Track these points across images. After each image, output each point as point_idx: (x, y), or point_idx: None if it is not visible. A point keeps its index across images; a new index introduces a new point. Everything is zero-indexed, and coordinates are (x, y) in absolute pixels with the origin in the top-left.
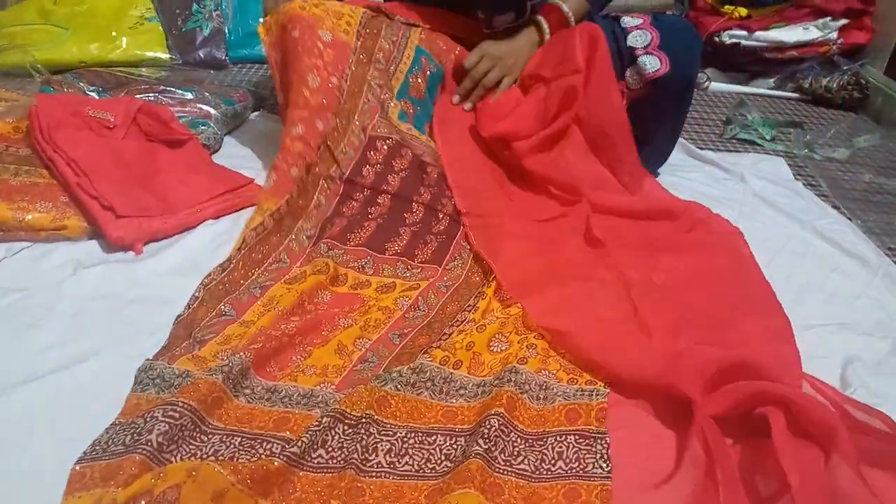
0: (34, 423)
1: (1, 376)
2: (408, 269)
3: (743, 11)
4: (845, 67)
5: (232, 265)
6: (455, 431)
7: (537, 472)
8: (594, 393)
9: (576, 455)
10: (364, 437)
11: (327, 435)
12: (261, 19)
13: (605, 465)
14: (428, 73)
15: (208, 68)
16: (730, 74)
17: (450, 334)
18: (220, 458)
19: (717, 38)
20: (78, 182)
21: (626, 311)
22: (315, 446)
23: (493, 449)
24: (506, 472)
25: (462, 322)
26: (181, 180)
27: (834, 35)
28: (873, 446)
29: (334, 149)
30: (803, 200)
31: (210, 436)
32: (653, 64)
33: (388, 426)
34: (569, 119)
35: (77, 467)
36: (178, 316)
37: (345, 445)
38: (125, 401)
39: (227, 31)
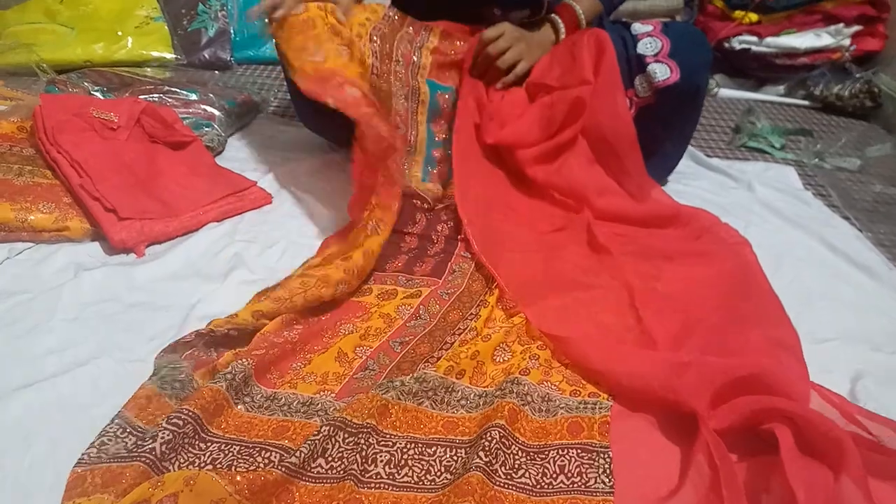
0: (33, 427)
1: (0, 381)
2: (409, 280)
3: (753, 17)
4: (857, 75)
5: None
6: (455, 443)
7: (538, 486)
8: (597, 406)
9: (578, 469)
10: (364, 447)
11: (328, 444)
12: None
13: (607, 480)
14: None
15: (213, 69)
16: (739, 81)
17: (452, 343)
18: (218, 466)
19: (726, 44)
20: (81, 183)
21: (630, 320)
22: (315, 455)
23: (493, 462)
24: (507, 486)
25: (464, 331)
26: (184, 183)
27: (846, 42)
28: (881, 460)
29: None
30: (812, 210)
31: (209, 443)
32: (663, 72)
33: (388, 436)
34: (575, 131)
35: (77, 470)
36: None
37: (345, 455)
38: (140, 388)
39: (232, 31)
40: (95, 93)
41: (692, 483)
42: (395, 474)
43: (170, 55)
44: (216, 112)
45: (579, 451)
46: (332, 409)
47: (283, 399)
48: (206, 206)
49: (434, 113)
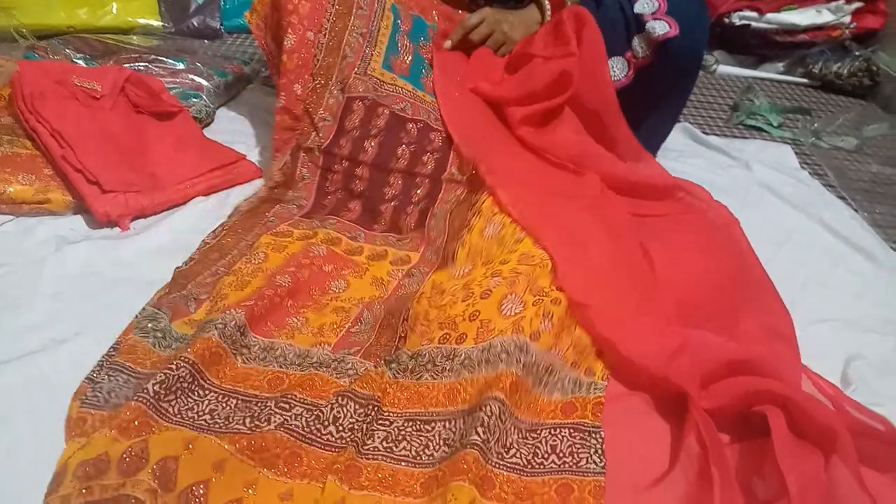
0: (13, 405)
1: None
2: (398, 240)
3: None
4: (857, 53)
5: (224, 231)
6: (455, 414)
7: (529, 466)
8: (591, 387)
9: (570, 449)
10: (365, 422)
11: (339, 413)
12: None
13: (598, 460)
14: (411, 26)
15: (202, 38)
16: (738, 57)
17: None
18: (217, 417)
19: (726, 20)
20: (62, 154)
21: (642, 289)
22: (326, 422)
23: (490, 439)
24: (497, 466)
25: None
26: (170, 155)
27: (847, 19)
28: (871, 448)
29: (313, 114)
30: (809, 190)
31: (207, 392)
32: (661, 27)
33: (387, 414)
34: (563, 100)
35: (79, 409)
36: (177, 267)
37: (355, 426)
38: (121, 337)
39: None
40: (78, 60)
41: (683, 465)
42: (393, 447)
43: (157, 22)
44: (204, 82)
45: (571, 430)
46: (327, 361)
47: (280, 350)
48: (194, 180)
49: (398, 21)
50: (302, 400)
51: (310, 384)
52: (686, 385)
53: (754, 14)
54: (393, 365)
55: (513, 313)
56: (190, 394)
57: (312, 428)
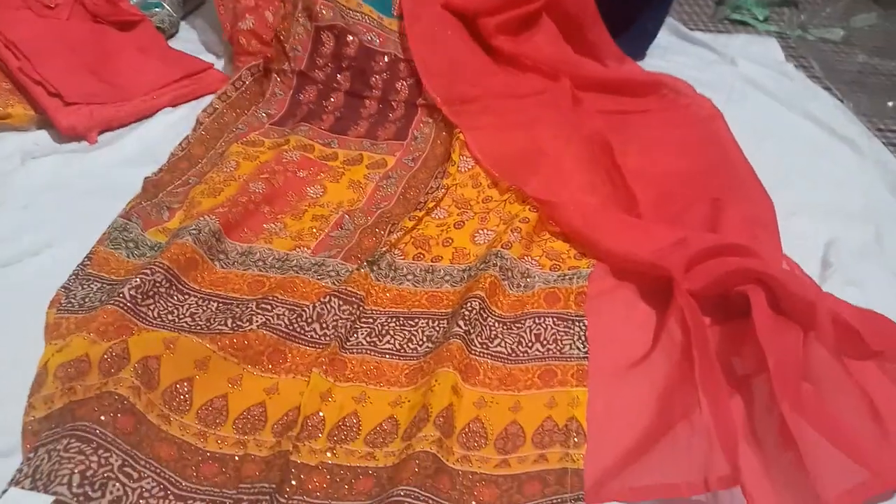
0: None
1: None
2: (373, 144)
3: None
4: None
5: (191, 143)
6: (438, 315)
7: (514, 355)
8: (575, 276)
9: (553, 337)
10: (349, 320)
11: (323, 310)
12: None
13: (581, 346)
14: None
15: None
16: None
17: (424, 203)
18: (198, 319)
19: None
20: (20, 66)
21: (610, 187)
22: (310, 320)
23: (471, 331)
24: (482, 355)
25: (436, 189)
26: (134, 65)
27: None
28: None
29: (285, 43)
30: (793, 83)
31: (186, 295)
32: None
33: (370, 312)
34: (539, 4)
35: (55, 315)
36: (147, 177)
37: (339, 323)
38: (93, 252)
39: None
40: None
41: (664, 347)
42: (377, 342)
43: None
44: None
45: (555, 319)
46: (307, 265)
47: (259, 254)
48: (160, 90)
49: None
50: (284, 300)
51: (291, 286)
52: (671, 268)
53: None
54: (375, 267)
55: (484, 242)
56: (169, 298)
57: (295, 326)
